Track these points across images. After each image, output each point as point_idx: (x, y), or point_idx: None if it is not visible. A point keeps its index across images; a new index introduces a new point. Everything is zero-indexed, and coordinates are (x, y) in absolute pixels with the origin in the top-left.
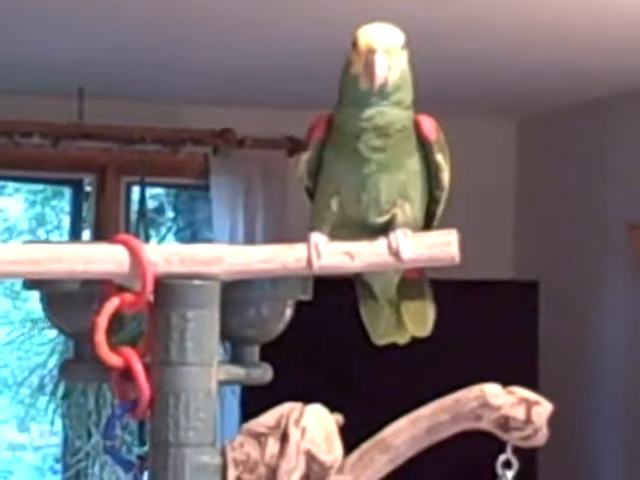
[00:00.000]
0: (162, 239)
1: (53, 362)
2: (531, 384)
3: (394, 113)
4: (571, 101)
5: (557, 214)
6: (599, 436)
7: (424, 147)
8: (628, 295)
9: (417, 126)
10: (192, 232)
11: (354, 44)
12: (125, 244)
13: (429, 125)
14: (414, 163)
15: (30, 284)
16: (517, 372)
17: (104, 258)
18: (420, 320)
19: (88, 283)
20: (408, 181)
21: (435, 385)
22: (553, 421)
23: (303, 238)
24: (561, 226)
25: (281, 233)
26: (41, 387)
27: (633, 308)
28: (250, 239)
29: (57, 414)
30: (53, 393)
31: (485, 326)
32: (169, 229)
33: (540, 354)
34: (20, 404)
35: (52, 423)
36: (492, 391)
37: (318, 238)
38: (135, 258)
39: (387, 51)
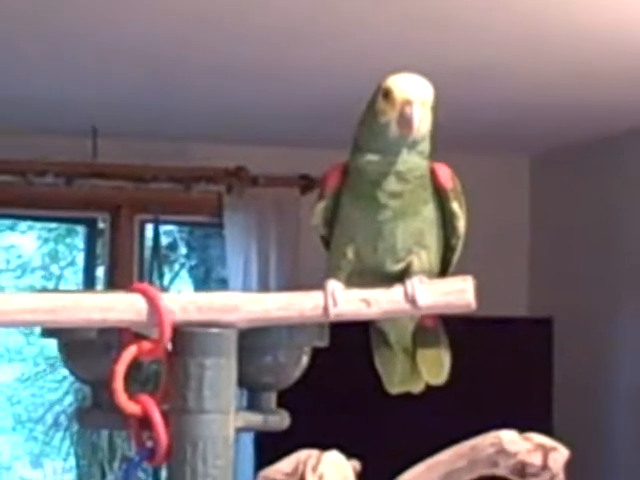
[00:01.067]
0: (175, 275)
1: (69, 399)
2: (545, 421)
3: (415, 161)
4: (585, 137)
5: (571, 251)
6: (616, 476)
7: (440, 195)
8: None
9: (433, 174)
10: (205, 269)
11: (386, 93)
12: (143, 293)
13: (445, 174)
14: (430, 211)
15: (48, 332)
16: (531, 409)
17: (122, 307)
18: (436, 368)
19: (106, 331)
20: (424, 228)
21: (451, 423)
22: (569, 460)
23: (315, 275)
24: (575, 262)
25: (294, 270)
26: (56, 424)
27: None
28: (263, 276)
29: (71, 451)
30: (67, 430)
31: (499, 363)
32: (182, 265)
33: (555, 391)
34: (34, 441)
35: (66, 460)
36: (508, 437)
37: (334, 285)
38: (153, 306)
39: (423, 103)
